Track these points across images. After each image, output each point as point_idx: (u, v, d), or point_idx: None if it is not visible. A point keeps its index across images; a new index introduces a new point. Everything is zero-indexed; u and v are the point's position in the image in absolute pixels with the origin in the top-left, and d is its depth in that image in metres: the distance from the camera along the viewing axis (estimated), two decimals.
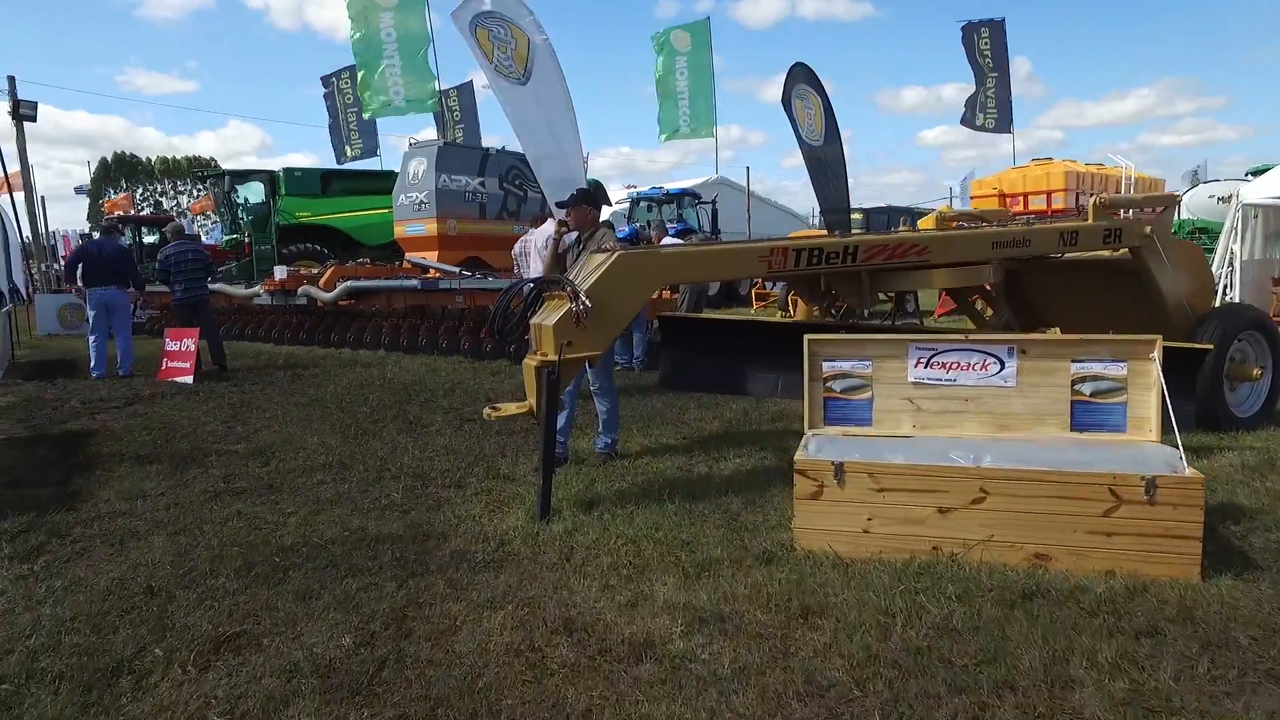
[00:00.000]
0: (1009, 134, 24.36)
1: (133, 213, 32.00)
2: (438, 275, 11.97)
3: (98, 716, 2.46)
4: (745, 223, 25.41)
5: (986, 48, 23.26)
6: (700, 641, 2.81)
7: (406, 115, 18.31)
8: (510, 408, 4.13)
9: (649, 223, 19.44)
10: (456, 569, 3.49)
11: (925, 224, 18.65)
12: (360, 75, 18.09)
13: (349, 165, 22.83)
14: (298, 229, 18.05)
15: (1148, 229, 5.58)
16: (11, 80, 22.43)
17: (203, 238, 24.64)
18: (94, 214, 48.25)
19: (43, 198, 27.42)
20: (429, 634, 2.91)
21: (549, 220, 10.63)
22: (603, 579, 3.37)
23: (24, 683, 2.63)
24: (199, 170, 43.71)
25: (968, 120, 24.16)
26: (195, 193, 53.43)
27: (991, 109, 23.94)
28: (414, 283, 11.59)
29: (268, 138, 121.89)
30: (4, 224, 14.78)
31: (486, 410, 4.10)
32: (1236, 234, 10.35)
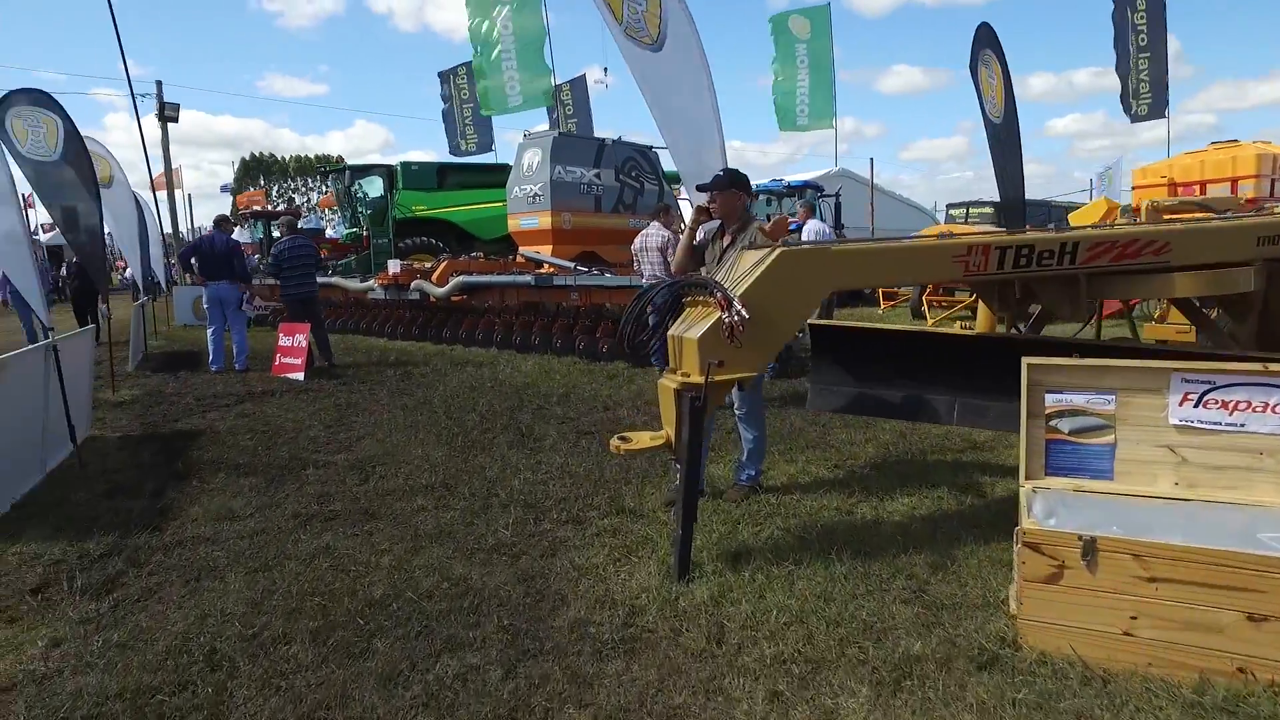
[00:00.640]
0: (1163, 119, 21.84)
1: (266, 208, 33.44)
2: (552, 271, 11.42)
3: None
4: (868, 217, 23.92)
5: (1142, 23, 20.88)
6: None
7: (523, 111, 18.11)
8: (643, 439, 3.36)
9: (769, 216, 18.36)
10: (578, 651, 2.75)
11: (1079, 219, 16.78)
12: (476, 70, 17.93)
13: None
14: (415, 222, 18.02)
15: None
16: (159, 84, 23.66)
17: (328, 231, 25.25)
18: (235, 210, 51.28)
19: (189, 195, 28.97)
20: None
21: (672, 212, 9.89)
22: (768, 680, 2.55)
23: None
24: (322, 166, 45.53)
25: (1126, 106, 21.83)
26: (324, 189, 55.85)
27: (1145, 93, 21.55)
28: (528, 279, 11.05)
29: (390, 135, 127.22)
30: (144, 219, 15.33)
31: (614, 442, 3.34)
32: None
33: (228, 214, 10.31)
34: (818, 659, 2.68)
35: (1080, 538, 2.66)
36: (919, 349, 4.87)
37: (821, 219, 20.86)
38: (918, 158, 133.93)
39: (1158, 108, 21.49)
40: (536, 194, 13.14)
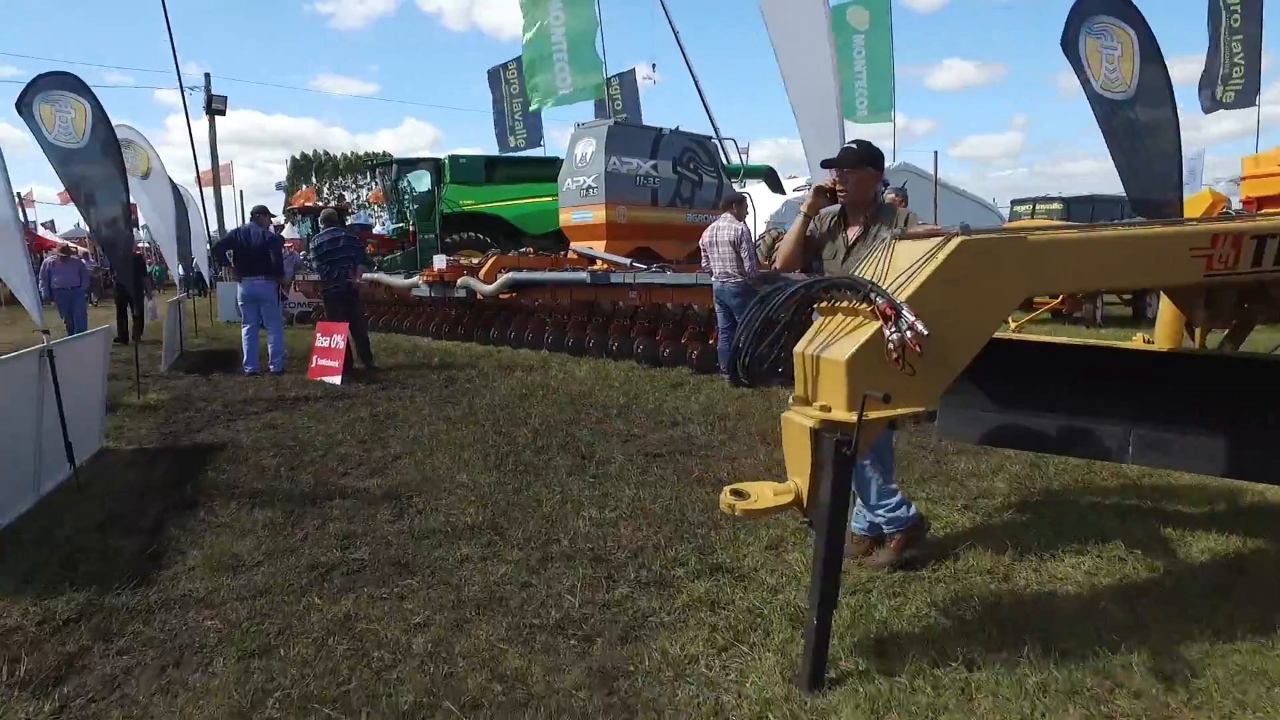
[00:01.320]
0: (1252, 106, 20.07)
1: (316, 204, 33.32)
2: (607, 267, 10.57)
3: None
4: (932, 214, 22.67)
5: (1236, 2, 19.24)
6: None
7: (573, 105, 17.53)
8: (764, 495, 2.45)
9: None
10: None
11: (1193, 211, 15.34)
12: (527, 65, 17.32)
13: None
14: (462, 217, 17.37)
15: None
16: (207, 76, 23.50)
17: (376, 227, 24.80)
18: (287, 208, 51.72)
19: (240, 192, 29.00)
20: None
21: (746, 203, 8.97)
22: None
23: None
24: (370, 161, 45.49)
25: (1205, 96, 20.11)
26: (373, 185, 56.07)
27: (1237, 78, 19.87)
28: (583, 275, 10.21)
29: (439, 133, 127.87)
30: (187, 214, 14.94)
31: (727, 499, 2.44)
32: None
33: (266, 206, 9.64)
34: None
35: None
36: (1084, 366, 3.89)
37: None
38: (967, 155, 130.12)
39: (1247, 94, 19.79)
40: (590, 186, 12.31)
